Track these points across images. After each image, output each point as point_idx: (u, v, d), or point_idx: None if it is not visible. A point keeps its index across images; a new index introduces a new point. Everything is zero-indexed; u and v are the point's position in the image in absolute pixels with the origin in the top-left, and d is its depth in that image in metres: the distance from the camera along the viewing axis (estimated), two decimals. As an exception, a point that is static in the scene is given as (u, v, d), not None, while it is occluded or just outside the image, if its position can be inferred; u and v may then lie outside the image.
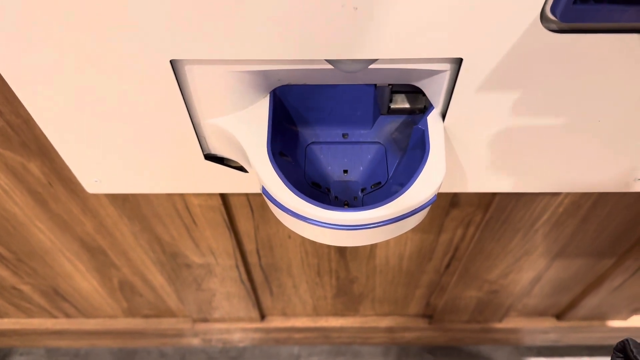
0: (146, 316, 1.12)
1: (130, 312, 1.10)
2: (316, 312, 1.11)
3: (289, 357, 1.25)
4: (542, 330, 1.16)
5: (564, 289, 1.01)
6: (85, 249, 0.83)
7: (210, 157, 0.50)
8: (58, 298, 1.03)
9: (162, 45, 0.36)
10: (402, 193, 0.40)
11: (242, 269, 0.88)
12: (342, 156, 0.49)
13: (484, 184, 0.52)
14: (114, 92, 0.40)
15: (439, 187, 0.41)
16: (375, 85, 0.45)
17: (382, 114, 0.48)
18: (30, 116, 0.48)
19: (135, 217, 0.72)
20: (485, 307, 1.07)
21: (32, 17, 0.34)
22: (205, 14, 0.33)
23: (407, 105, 0.46)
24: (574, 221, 0.75)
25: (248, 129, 0.43)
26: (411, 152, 0.45)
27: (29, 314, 1.11)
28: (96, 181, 0.52)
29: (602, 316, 1.13)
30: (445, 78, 0.40)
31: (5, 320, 1.14)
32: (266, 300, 1.05)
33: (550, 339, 1.19)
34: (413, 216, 0.40)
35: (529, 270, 0.90)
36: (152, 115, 0.43)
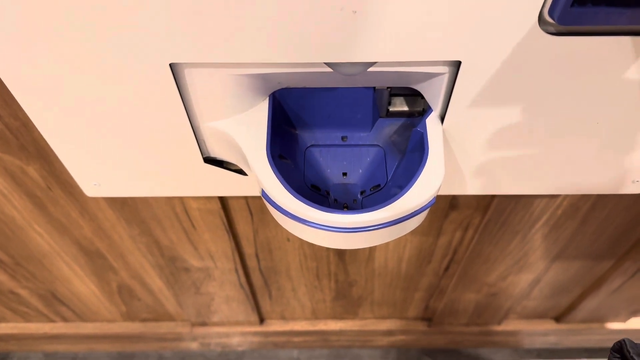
0: (144, 320, 1.12)
1: (129, 316, 1.10)
2: (315, 316, 1.11)
3: (288, 361, 1.25)
4: (541, 332, 1.16)
5: (563, 292, 1.01)
6: (83, 253, 0.82)
7: (209, 160, 0.50)
8: (56, 302, 1.02)
9: (161, 49, 0.36)
10: (401, 196, 0.40)
11: (241, 272, 0.88)
12: (341, 159, 0.49)
13: (482, 186, 0.52)
14: (114, 96, 0.41)
15: (438, 190, 0.41)
16: (374, 88, 0.45)
17: (381, 117, 0.48)
18: (29, 119, 0.48)
19: (134, 221, 0.72)
20: (484, 309, 1.07)
21: (31, 20, 0.34)
22: (204, 18, 0.33)
23: (406, 108, 0.47)
24: (572, 223, 0.75)
25: (247, 131, 0.43)
26: (410, 154, 0.45)
27: (26, 318, 1.11)
28: (95, 185, 0.52)
29: (601, 318, 1.13)
30: (444, 81, 0.40)
31: (3, 324, 1.14)
32: (265, 304, 1.05)
33: (549, 341, 1.19)
34: (412, 219, 0.40)
35: (528, 272, 0.90)
36: (152, 119, 0.43)
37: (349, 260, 0.87)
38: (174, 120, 0.43)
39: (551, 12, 0.32)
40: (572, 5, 0.31)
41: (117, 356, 1.25)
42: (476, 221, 0.74)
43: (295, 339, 1.17)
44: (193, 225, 0.73)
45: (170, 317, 1.11)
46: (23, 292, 0.98)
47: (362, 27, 0.34)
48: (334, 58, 0.37)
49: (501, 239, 0.78)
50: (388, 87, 0.45)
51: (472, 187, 0.52)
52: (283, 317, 1.12)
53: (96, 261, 0.85)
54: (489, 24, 0.34)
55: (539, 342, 1.20)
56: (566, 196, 0.68)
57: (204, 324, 1.13)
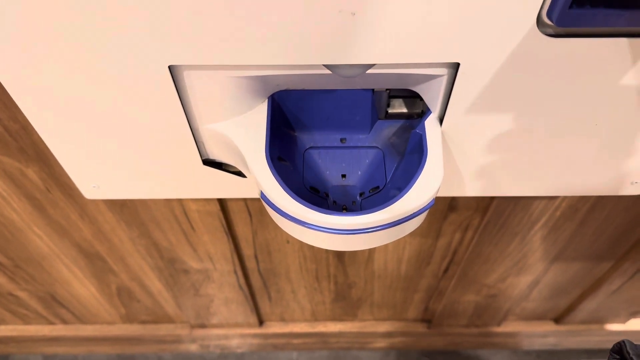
0: (144, 322, 1.12)
1: (128, 318, 1.10)
2: (315, 317, 1.11)
3: (287, 363, 1.25)
4: (540, 334, 1.16)
5: (562, 293, 1.01)
6: (83, 255, 0.82)
7: (208, 162, 0.50)
8: (55, 304, 1.02)
9: (160, 51, 0.36)
10: (400, 197, 0.40)
11: (240, 274, 0.88)
12: (340, 161, 0.49)
13: (481, 187, 0.52)
14: (113, 98, 0.41)
15: (437, 192, 0.41)
16: (373, 90, 0.45)
17: (380, 119, 0.48)
18: (28, 122, 0.48)
19: (133, 223, 0.72)
20: (483, 311, 1.07)
21: (30, 23, 0.34)
22: (203, 20, 0.33)
23: (404, 110, 0.47)
24: (571, 225, 0.75)
25: (246, 134, 0.43)
26: (409, 156, 0.45)
27: (26, 320, 1.11)
28: (94, 187, 0.52)
29: (601, 320, 1.13)
30: (443, 83, 0.40)
31: (2, 327, 1.14)
32: (264, 306, 1.05)
33: (548, 342, 1.19)
34: (411, 220, 0.40)
35: (527, 274, 0.90)
36: (151, 121, 0.43)
37: (348, 262, 0.87)
38: (173, 123, 0.43)
39: (549, 14, 0.32)
40: (570, 7, 0.31)
41: (116, 358, 1.24)
42: (475, 223, 0.74)
43: (295, 341, 1.17)
44: (192, 227, 0.73)
45: (169, 319, 1.11)
46: (22, 295, 0.98)
47: (361, 29, 0.34)
48: (333, 60, 0.37)
49: (500, 240, 0.78)
50: (387, 89, 0.45)
51: (471, 188, 0.52)
52: (282, 319, 1.12)
53: (96, 263, 0.85)
54: (487, 25, 0.34)
55: (539, 344, 1.20)
56: (565, 198, 0.68)
57: (203, 325, 1.13)
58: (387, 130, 0.48)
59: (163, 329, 1.13)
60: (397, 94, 0.46)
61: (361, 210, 0.40)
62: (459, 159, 0.48)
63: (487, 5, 0.32)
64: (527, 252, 0.82)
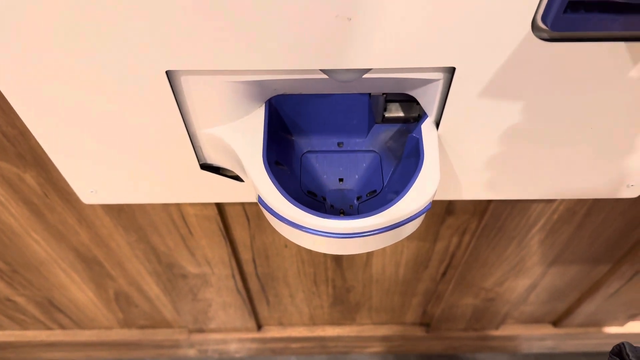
0: (142, 327, 1.12)
1: (126, 323, 1.10)
2: (313, 322, 1.11)
3: (286, 367, 1.24)
4: (539, 337, 1.16)
5: (560, 296, 1.01)
6: (80, 260, 0.82)
7: (206, 166, 0.50)
8: (53, 309, 1.02)
9: (157, 56, 0.36)
10: (397, 201, 0.40)
11: (238, 278, 0.88)
12: (337, 165, 0.49)
13: (478, 191, 0.52)
14: (110, 103, 0.41)
15: (434, 195, 0.41)
16: (369, 94, 0.45)
17: (376, 123, 0.48)
18: (26, 127, 0.49)
19: (131, 228, 0.72)
20: (482, 314, 1.07)
21: (27, 29, 0.34)
22: (200, 25, 0.34)
23: (401, 114, 0.47)
24: (569, 228, 0.75)
25: (244, 138, 0.43)
26: (406, 160, 0.46)
27: (23, 325, 1.10)
28: (92, 192, 0.52)
29: (599, 323, 1.13)
30: (439, 87, 0.40)
31: (0, 332, 1.13)
32: (263, 310, 1.05)
33: (547, 346, 1.19)
34: (408, 224, 0.41)
35: (525, 277, 0.91)
36: (148, 126, 0.43)
37: (346, 266, 0.87)
38: (171, 127, 0.43)
39: (544, 19, 0.33)
40: (564, 11, 0.31)
41: (114, 363, 1.24)
42: (473, 226, 0.74)
43: (293, 345, 1.17)
44: (190, 232, 0.73)
45: (167, 324, 1.11)
46: (20, 300, 0.98)
47: (357, 34, 0.34)
48: (330, 65, 0.37)
49: (498, 244, 0.78)
50: (383, 93, 0.45)
51: (468, 192, 0.52)
52: (281, 323, 1.12)
53: (93, 268, 0.85)
54: (482, 30, 0.34)
55: (537, 347, 1.20)
56: (562, 201, 0.68)
57: (201, 330, 1.13)
58: (384, 134, 0.49)
59: (161, 334, 1.13)
60: (394, 98, 0.46)
61: (358, 214, 0.40)
62: (456, 163, 0.48)
63: (482, 10, 0.33)
64: (525, 256, 0.83)
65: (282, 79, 0.40)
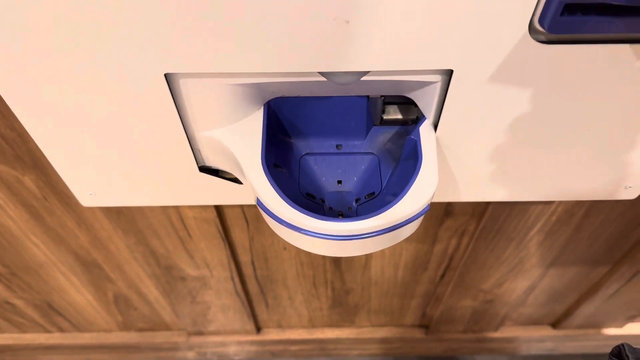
0: (141, 330, 1.12)
1: (125, 326, 1.10)
2: (312, 324, 1.11)
3: (285, 370, 1.24)
4: (538, 339, 1.16)
5: (559, 298, 1.01)
6: (79, 263, 0.82)
7: (204, 169, 0.50)
8: (52, 312, 1.02)
9: (156, 59, 0.36)
10: (395, 203, 0.40)
11: (237, 280, 0.88)
12: (336, 167, 0.49)
13: (477, 193, 0.52)
14: (109, 106, 0.41)
15: (432, 197, 0.41)
16: (367, 96, 0.46)
17: (375, 125, 0.48)
18: (25, 130, 0.49)
19: (130, 230, 0.72)
20: (480, 316, 1.07)
21: (26, 32, 0.34)
22: (199, 28, 0.34)
23: (399, 116, 0.47)
24: (567, 229, 0.75)
25: (242, 141, 0.43)
26: (404, 162, 0.46)
27: (22, 329, 1.10)
28: (91, 194, 0.52)
29: (598, 324, 1.13)
30: (437, 89, 0.40)
31: (-1, 335, 1.13)
32: (262, 313, 1.05)
33: (546, 347, 1.19)
34: (406, 226, 0.41)
35: (524, 279, 0.91)
36: (147, 129, 0.43)
37: (345, 268, 0.87)
38: (169, 130, 0.43)
39: (541, 21, 0.33)
40: (561, 14, 0.31)
41: (113, 366, 1.24)
42: (471, 228, 0.75)
43: (292, 348, 1.17)
44: (189, 234, 0.73)
45: (166, 327, 1.11)
46: (19, 303, 0.98)
47: (355, 37, 0.34)
48: (328, 67, 0.37)
49: (496, 245, 0.78)
50: (382, 96, 0.45)
51: (466, 194, 0.52)
52: (280, 326, 1.12)
53: (92, 271, 0.85)
54: (479, 33, 0.34)
55: (536, 349, 1.20)
56: (560, 202, 0.68)
57: (200, 333, 1.13)
58: (382, 137, 0.49)
59: (160, 337, 1.13)
60: (392, 101, 0.47)
61: (357, 216, 0.40)
62: (454, 165, 0.48)
63: (479, 13, 0.33)
64: (523, 258, 0.83)
65: (280, 82, 0.40)
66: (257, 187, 0.41)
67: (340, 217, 0.46)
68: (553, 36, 0.35)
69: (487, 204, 0.68)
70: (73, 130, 0.43)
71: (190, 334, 1.13)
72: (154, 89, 0.39)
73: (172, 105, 0.41)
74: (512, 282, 0.91)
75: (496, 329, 1.14)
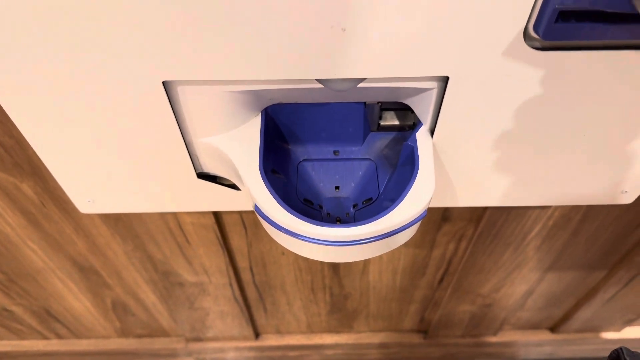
0: (139, 336, 1.11)
1: (123, 332, 1.09)
2: (310, 329, 1.11)
3: (283, 375, 1.24)
4: (536, 343, 1.16)
5: (557, 302, 1.01)
6: (77, 269, 0.82)
7: (202, 175, 0.50)
8: (50, 319, 1.02)
9: (154, 67, 0.36)
10: (393, 209, 0.40)
11: (235, 286, 0.88)
12: (333, 173, 0.49)
13: (474, 198, 0.53)
14: (107, 114, 0.41)
15: (429, 203, 0.41)
16: (365, 103, 0.46)
17: (372, 131, 0.49)
18: (23, 137, 0.49)
19: (128, 237, 0.72)
20: (479, 321, 1.07)
21: (23, 39, 0.34)
22: (197, 36, 0.34)
23: (396, 122, 0.47)
24: (564, 234, 0.76)
25: (240, 147, 0.44)
26: (401, 168, 0.46)
27: (20, 335, 1.10)
28: (89, 201, 0.52)
29: (596, 328, 1.13)
30: (433, 95, 0.41)
31: (-4, 342, 1.13)
32: (260, 318, 1.05)
33: (545, 351, 1.19)
34: (404, 231, 0.41)
35: (522, 283, 0.91)
36: (145, 136, 0.43)
37: (344, 274, 0.87)
38: (167, 137, 0.44)
39: (536, 28, 0.33)
40: (556, 21, 0.32)
41: (111, 373, 1.24)
42: (469, 233, 0.75)
43: (291, 353, 1.17)
44: (187, 240, 0.73)
45: (164, 333, 1.11)
46: (17, 309, 0.97)
47: (352, 45, 0.34)
48: (325, 74, 0.37)
49: (494, 250, 0.78)
50: (379, 102, 0.45)
51: (464, 199, 0.52)
52: (278, 332, 1.12)
53: (90, 277, 0.85)
54: (475, 39, 0.34)
55: (535, 353, 1.20)
56: (557, 207, 0.68)
57: (198, 339, 1.12)
58: (379, 143, 0.49)
59: (158, 343, 1.13)
60: (389, 107, 0.47)
61: (355, 221, 0.40)
62: (451, 170, 0.48)
63: (474, 20, 0.33)
64: (521, 262, 0.83)
65: (278, 89, 0.40)
66: (255, 193, 0.41)
67: (338, 222, 0.46)
68: (548, 43, 0.35)
69: (485, 208, 0.68)
70: (71, 138, 0.44)
71: (188, 340, 1.13)
72: (152, 96, 0.39)
73: (170, 112, 0.41)
74: (510, 286, 0.91)
75: (495, 333, 1.14)
